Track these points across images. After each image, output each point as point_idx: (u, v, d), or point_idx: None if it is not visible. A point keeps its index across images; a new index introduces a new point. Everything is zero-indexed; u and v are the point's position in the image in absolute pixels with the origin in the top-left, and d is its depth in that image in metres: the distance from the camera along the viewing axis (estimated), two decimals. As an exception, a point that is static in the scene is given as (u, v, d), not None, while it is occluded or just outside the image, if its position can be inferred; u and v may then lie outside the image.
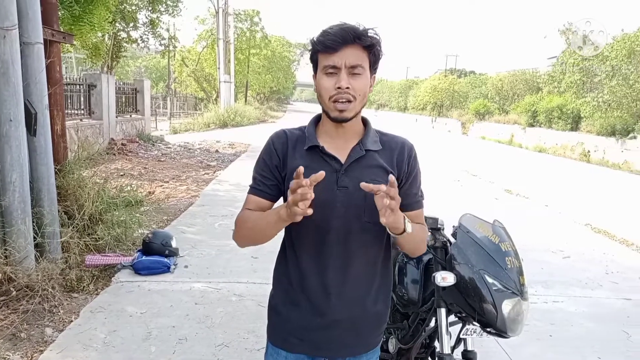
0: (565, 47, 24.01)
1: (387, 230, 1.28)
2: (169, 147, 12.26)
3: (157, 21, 13.63)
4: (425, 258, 2.08)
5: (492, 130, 26.00)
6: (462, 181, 9.88)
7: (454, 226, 2.03)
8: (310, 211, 1.16)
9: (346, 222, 1.35)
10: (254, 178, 1.46)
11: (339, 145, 1.39)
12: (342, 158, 1.37)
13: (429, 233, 1.92)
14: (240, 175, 8.71)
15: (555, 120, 20.39)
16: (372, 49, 1.31)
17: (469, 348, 1.94)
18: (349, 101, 1.30)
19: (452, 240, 1.96)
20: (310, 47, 1.37)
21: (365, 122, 1.45)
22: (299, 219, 1.19)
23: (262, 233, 1.38)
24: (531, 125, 22.40)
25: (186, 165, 9.88)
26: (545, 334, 3.30)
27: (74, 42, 5.10)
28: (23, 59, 3.60)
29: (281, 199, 1.46)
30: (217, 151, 12.17)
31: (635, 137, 15.75)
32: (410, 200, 1.46)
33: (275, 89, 37.84)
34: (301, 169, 1.14)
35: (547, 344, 3.13)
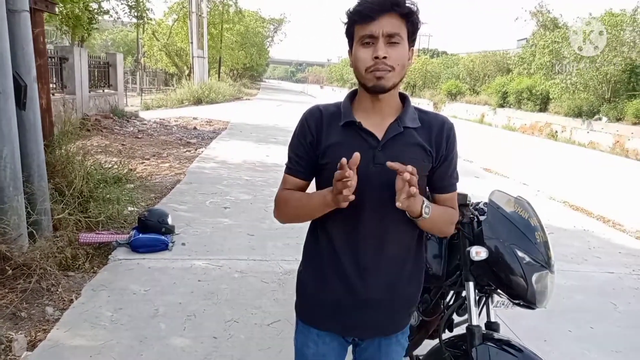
0: (535, 29, 24.51)
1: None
2: (145, 124, 11.94)
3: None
4: (449, 233, 2.12)
5: (463, 111, 26.42)
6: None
7: (472, 202, 2.08)
8: (352, 197, 1.17)
9: (381, 200, 1.32)
10: (289, 157, 1.43)
11: (375, 122, 1.35)
12: (379, 135, 1.33)
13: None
14: (224, 153, 8.61)
15: (525, 101, 20.89)
16: (410, 17, 1.28)
17: (492, 319, 2.01)
18: (388, 71, 1.27)
19: (473, 214, 2.01)
20: (345, 21, 1.32)
21: (403, 98, 1.41)
22: (344, 205, 1.19)
23: (307, 215, 1.39)
24: (501, 105, 22.89)
25: (165, 142, 9.66)
26: (540, 306, 3.45)
27: (56, 12, 4.86)
28: (9, 27, 3.42)
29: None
30: (195, 128, 11.94)
31: (600, 119, 16.34)
32: (444, 182, 1.43)
33: (248, 65, 37.14)
34: (344, 160, 1.13)
35: (543, 316, 3.27)
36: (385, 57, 1.25)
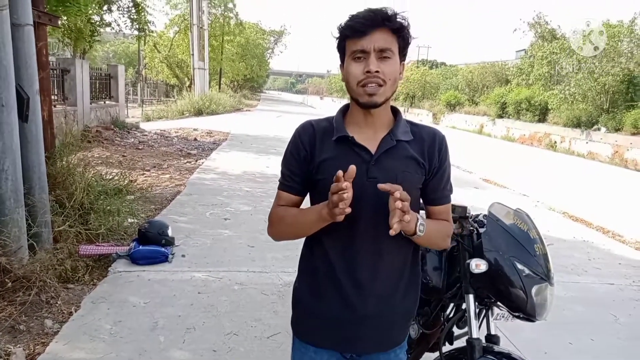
0: (534, 40, 24.67)
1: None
2: (146, 135, 11.98)
3: (142, 5, 13.16)
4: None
5: (462, 121, 26.53)
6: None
7: (472, 214, 2.09)
8: (349, 210, 1.16)
9: (376, 214, 1.31)
10: (282, 173, 1.43)
11: (368, 136, 1.36)
12: (372, 149, 1.34)
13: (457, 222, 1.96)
14: (224, 164, 8.64)
15: (524, 111, 20.97)
16: (401, 32, 1.30)
17: (492, 332, 2.00)
18: (379, 85, 1.28)
19: (473, 227, 2.02)
20: (337, 35, 1.34)
21: (395, 112, 1.42)
22: (340, 219, 1.19)
23: (303, 231, 1.38)
24: (500, 116, 22.97)
25: (166, 153, 9.69)
26: (541, 318, 3.45)
27: (59, 25, 4.91)
28: (13, 41, 3.46)
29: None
30: (195, 139, 11.99)
31: (599, 129, 16.39)
32: (438, 194, 1.43)
33: (249, 76, 37.36)
34: (340, 173, 1.13)
35: (543, 328, 3.26)
36: (377, 72, 1.27)
